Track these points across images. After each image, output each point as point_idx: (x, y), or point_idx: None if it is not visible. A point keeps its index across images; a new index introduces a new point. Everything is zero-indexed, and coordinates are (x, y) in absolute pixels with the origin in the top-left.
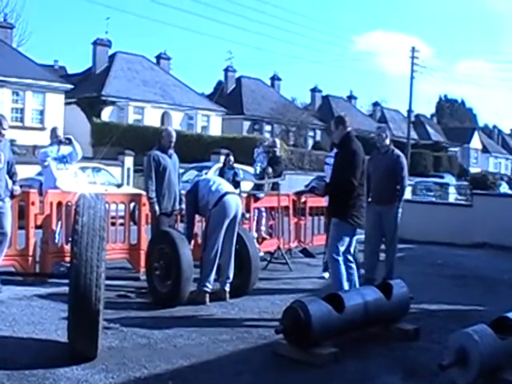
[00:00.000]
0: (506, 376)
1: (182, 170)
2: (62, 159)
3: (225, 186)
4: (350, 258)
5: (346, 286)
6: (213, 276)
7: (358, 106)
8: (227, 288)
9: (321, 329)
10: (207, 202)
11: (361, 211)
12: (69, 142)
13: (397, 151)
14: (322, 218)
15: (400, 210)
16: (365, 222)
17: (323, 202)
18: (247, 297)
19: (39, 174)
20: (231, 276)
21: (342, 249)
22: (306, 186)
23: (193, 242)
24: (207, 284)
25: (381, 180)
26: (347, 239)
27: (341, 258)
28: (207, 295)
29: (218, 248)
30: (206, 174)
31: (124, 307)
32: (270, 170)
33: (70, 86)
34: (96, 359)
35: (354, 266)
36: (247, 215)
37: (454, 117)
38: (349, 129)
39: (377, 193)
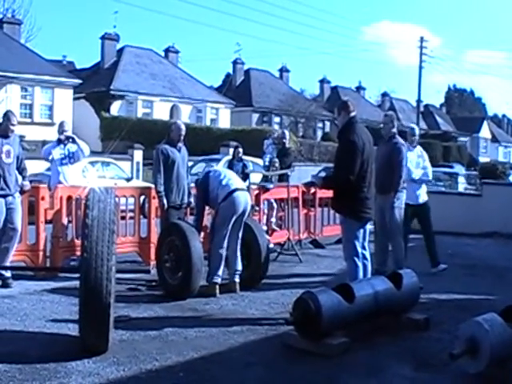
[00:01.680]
0: None
1: (190, 163)
2: (69, 155)
3: (235, 180)
4: (365, 253)
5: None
6: (222, 268)
7: (366, 96)
8: (237, 279)
9: (331, 319)
10: (217, 195)
11: (365, 204)
12: (72, 140)
13: (397, 139)
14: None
15: (399, 199)
16: (374, 212)
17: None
18: (257, 288)
19: (48, 169)
20: (240, 268)
21: (357, 243)
22: (314, 177)
23: (202, 233)
24: (216, 276)
25: (381, 169)
26: (360, 235)
27: (359, 260)
28: (217, 287)
29: (226, 241)
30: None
31: (134, 300)
32: (276, 160)
33: (78, 81)
34: (107, 352)
35: (368, 262)
36: (257, 208)
37: (463, 106)
38: (352, 114)
39: (378, 183)
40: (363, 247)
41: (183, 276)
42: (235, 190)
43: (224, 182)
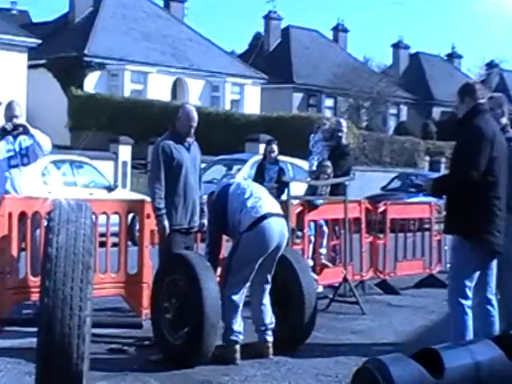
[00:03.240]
0: None
1: (203, 165)
2: (21, 153)
3: (266, 201)
4: (491, 297)
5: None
6: (240, 320)
7: (463, 68)
8: (269, 338)
9: None
10: (239, 221)
11: (494, 222)
12: (24, 131)
13: (510, 133)
14: (410, 235)
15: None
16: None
17: (412, 212)
18: (299, 352)
19: None
20: (272, 320)
21: (470, 285)
22: (383, 189)
23: (219, 269)
24: (236, 333)
25: None
26: (477, 269)
27: (468, 302)
28: (238, 349)
29: (246, 286)
30: (238, 171)
31: (119, 367)
32: (328, 164)
33: (36, 41)
34: None
35: (495, 312)
36: (299, 233)
37: None
38: (480, 101)
39: None
40: (488, 290)
41: (191, 333)
42: (266, 215)
43: (250, 204)
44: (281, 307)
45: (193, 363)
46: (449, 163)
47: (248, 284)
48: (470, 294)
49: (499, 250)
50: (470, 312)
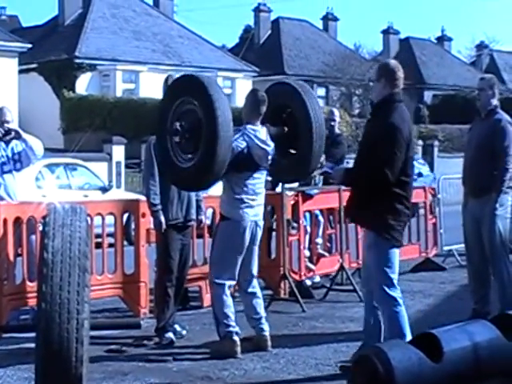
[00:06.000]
0: None
1: None
2: (14, 158)
3: (256, 204)
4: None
5: (408, 334)
6: (231, 313)
7: (453, 50)
8: (266, 328)
9: None
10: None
11: (403, 222)
12: (16, 136)
13: (500, 114)
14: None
15: (503, 204)
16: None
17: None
18: (298, 342)
19: None
20: (261, 310)
21: (395, 276)
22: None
23: None
24: (231, 327)
25: (476, 160)
26: (395, 260)
27: (398, 295)
28: (237, 342)
29: (234, 275)
30: None
31: (118, 368)
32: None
33: (26, 46)
34: None
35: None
36: (295, 224)
37: None
38: (396, 90)
39: (470, 179)
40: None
41: (202, 154)
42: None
43: (241, 197)
44: (289, 137)
45: (203, 186)
46: (360, 150)
47: (236, 276)
48: (396, 285)
49: (400, 245)
50: (403, 305)
